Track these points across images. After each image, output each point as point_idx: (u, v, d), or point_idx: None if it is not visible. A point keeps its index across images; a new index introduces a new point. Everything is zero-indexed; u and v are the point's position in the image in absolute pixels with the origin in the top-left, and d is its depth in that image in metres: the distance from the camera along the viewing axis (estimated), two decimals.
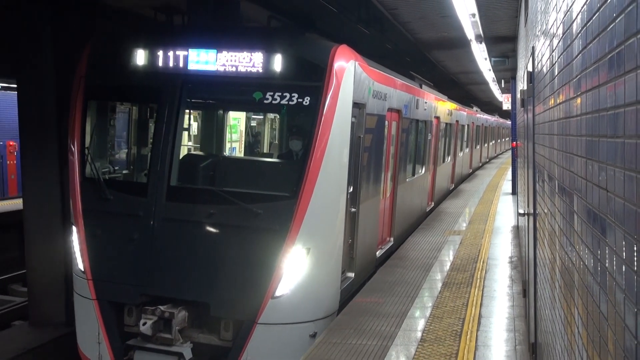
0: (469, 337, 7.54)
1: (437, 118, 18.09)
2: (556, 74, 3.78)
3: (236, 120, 14.29)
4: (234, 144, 14.31)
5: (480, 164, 38.41)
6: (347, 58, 8.24)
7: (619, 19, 1.81)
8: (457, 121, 23.54)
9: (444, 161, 21.04)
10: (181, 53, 8.04)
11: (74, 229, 8.53)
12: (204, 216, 7.78)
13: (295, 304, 7.61)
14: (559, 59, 3.58)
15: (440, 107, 18.42)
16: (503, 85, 31.22)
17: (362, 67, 8.97)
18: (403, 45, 18.80)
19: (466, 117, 27.11)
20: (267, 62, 7.78)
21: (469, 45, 17.61)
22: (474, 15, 13.22)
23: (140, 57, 8.25)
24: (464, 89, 38.96)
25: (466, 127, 27.56)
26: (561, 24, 3.44)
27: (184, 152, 9.37)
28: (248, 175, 8.76)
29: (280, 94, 7.80)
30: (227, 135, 11.44)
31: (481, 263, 11.64)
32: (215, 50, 7.96)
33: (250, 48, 7.87)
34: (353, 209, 9.22)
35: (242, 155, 13.17)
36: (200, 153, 10.46)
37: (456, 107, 23.19)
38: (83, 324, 8.43)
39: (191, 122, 10.06)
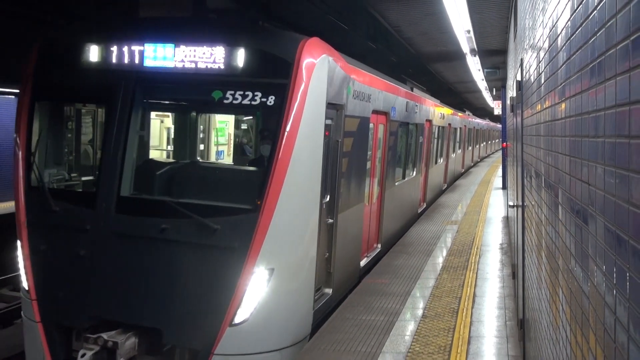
0: (465, 314, 7.53)
1: (429, 121, 16.29)
2: (542, 82, 3.76)
3: (224, 123, 12.24)
4: (221, 148, 12.07)
5: (473, 164, 36.96)
6: (318, 52, 6.46)
7: (599, 32, 1.80)
8: (449, 124, 21.56)
9: (436, 162, 18.95)
10: (136, 48, 6.40)
11: (18, 243, 6.73)
12: (155, 231, 5.97)
13: (258, 331, 5.92)
14: (545, 69, 3.56)
15: (432, 110, 16.65)
16: (494, 93, 31.07)
17: (339, 64, 7.25)
18: (406, 58, 18.77)
19: (459, 120, 25.36)
20: (229, 57, 6.11)
21: (464, 57, 17.55)
22: (469, 31, 13.17)
23: (91, 53, 6.60)
24: (460, 96, 38.83)
25: (459, 130, 25.71)
26: (547, 38, 3.41)
27: (144, 158, 7.53)
28: (208, 185, 6.84)
29: (241, 93, 6.06)
30: (191, 139, 8.94)
31: (475, 249, 11.61)
32: (173, 45, 6.29)
33: (211, 41, 6.20)
34: (330, 220, 7.44)
35: (207, 161, 9.72)
36: (163, 159, 8.27)
37: (448, 111, 21.33)
38: (29, 349, 6.74)
39: (150, 124, 7.82)
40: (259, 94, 6.05)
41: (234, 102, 6.16)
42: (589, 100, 2.00)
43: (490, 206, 17.97)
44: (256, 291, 5.79)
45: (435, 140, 18.24)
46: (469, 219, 15.34)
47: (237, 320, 5.76)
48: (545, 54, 3.57)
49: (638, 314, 1.35)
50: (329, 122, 7.03)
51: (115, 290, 6.07)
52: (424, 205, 16.85)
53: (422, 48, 17.40)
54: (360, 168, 8.85)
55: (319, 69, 6.38)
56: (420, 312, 7.60)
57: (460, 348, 6.38)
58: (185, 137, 8.90)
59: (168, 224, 5.94)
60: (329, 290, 7.54)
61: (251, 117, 10.26)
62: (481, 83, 25.82)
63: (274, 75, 6.12)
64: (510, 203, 9.25)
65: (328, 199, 7.25)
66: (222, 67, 6.12)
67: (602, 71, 1.77)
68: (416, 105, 13.81)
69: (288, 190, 5.90)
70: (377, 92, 9.52)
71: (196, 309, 5.83)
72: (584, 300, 2.07)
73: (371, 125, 9.42)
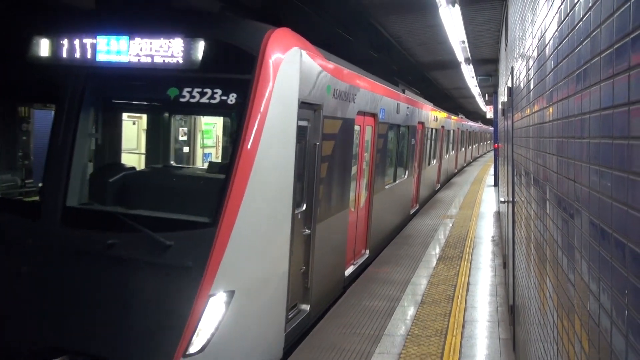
0: (460, 300, 7.51)
1: (422, 123, 14.80)
2: (532, 88, 3.74)
3: (211, 125, 10.91)
4: (208, 150, 10.75)
5: (465, 164, 35.16)
6: (288, 44, 5.27)
7: (585, 42, 1.78)
8: (442, 127, 19.98)
9: (429, 164, 17.42)
10: (85, 41, 5.25)
11: None
12: (102, 247, 4.73)
13: None
14: (534, 76, 3.54)
15: (425, 113, 15.17)
16: (487, 98, 30.96)
17: (316, 59, 6.06)
18: (406, 66, 18.72)
19: (452, 123, 23.74)
20: (187, 50, 4.99)
21: (459, 66, 17.49)
22: (463, 42, 13.14)
23: (40, 47, 5.43)
24: (455, 101, 38.71)
25: (452, 132, 24.01)
26: (536, 48, 3.39)
27: (98, 163, 6.11)
28: (163, 195, 5.56)
29: (200, 90, 4.92)
30: (164, 142, 7.38)
31: (469, 241, 11.58)
32: (127, 37, 5.14)
33: (169, 33, 5.05)
34: (306, 231, 6.20)
35: (175, 165, 7.55)
36: (120, 165, 6.40)
37: (441, 114, 19.70)
38: None
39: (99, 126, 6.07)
40: (219, 92, 4.89)
41: (191, 100, 4.96)
42: (575, 104, 1.99)
43: (483, 202, 17.91)
44: (214, 317, 4.55)
45: (429, 142, 16.96)
46: (464, 214, 15.30)
47: (191, 350, 4.51)
48: (534, 62, 3.55)
49: (620, 301, 1.34)
50: (303, 123, 5.90)
51: (58, 314, 4.83)
52: (417, 207, 15.41)
53: (420, 57, 17.36)
54: (344, 173, 7.51)
55: (288, 63, 5.21)
56: (419, 298, 7.59)
57: (455, 331, 6.37)
58: (157, 140, 7.39)
59: (116, 239, 4.73)
60: (306, 307, 6.25)
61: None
62: (474, 89, 25.72)
63: (236, 70, 4.95)
64: (502, 199, 9.22)
65: (304, 207, 6.12)
66: (180, 61, 4.99)
67: (587, 78, 1.76)
68: (408, 108, 12.38)
69: (251, 200, 4.73)
70: (363, 92, 8.22)
71: (146, 337, 4.59)
72: (570, 288, 2.06)
73: (357, 127, 8.22)
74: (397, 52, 15.92)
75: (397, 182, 11.90)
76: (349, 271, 8.20)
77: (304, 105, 5.69)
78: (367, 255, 9.33)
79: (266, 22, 5.41)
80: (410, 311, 7.04)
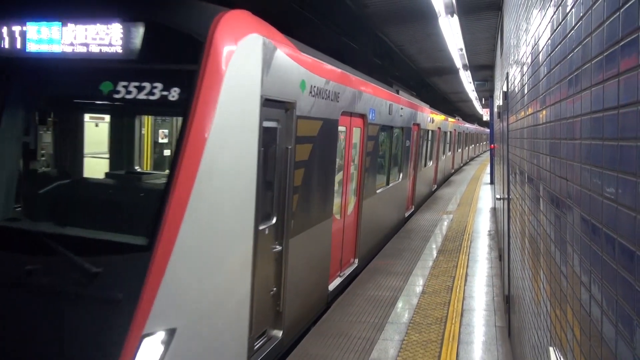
0: (458, 290, 7.49)
1: (417, 125, 13.51)
2: (526, 92, 3.72)
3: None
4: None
5: (462, 164, 33.72)
6: (245, 30, 4.07)
7: (576, 49, 1.77)
8: (439, 128, 18.61)
9: (425, 165, 15.97)
10: (16, 29, 4.13)
11: None
12: (21, 274, 3.62)
13: None
14: (528, 81, 3.52)
15: (421, 114, 13.87)
16: (483, 102, 30.84)
17: (284, 49, 4.78)
18: (408, 72, 18.69)
19: (449, 125, 22.15)
20: (125, 37, 3.87)
21: (457, 72, 17.44)
22: (461, 49, 13.09)
23: None
24: (453, 105, 38.59)
25: (449, 133, 22.54)
26: (530, 55, 3.37)
27: (30, 172, 4.69)
28: (97, 210, 4.29)
29: (137, 84, 3.79)
30: (127, 145, 5.63)
31: (467, 235, 11.53)
32: (60, 23, 4.02)
33: (107, 17, 3.92)
34: (277, 248, 4.99)
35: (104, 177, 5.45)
36: (54, 174, 5.03)
37: (438, 115, 18.32)
38: None
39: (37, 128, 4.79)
40: (159, 86, 3.75)
41: (127, 97, 3.81)
42: (567, 107, 1.98)
43: (480, 199, 17.84)
44: None
45: (425, 144, 15.58)
46: (462, 210, 15.24)
47: None
48: (528, 68, 3.53)
49: (610, 292, 1.33)
50: (271, 124, 4.69)
51: None
52: (412, 208, 14.08)
53: (421, 64, 17.32)
54: (326, 179, 6.27)
55: (245, 52, 4.05)
56: (420, 288, 7.57)
57: (454, 319, 6.35)
58: (117, 142, 5.65)
59: (37, 265, 3.62)
60: (278, 333, 5.08)
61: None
62: (472, 93, 25.64)
63: (180, 60, 3.80)
64: (498, 196, 9.18)
65: (274, 221, 4.91)
66: (118, 50, 3.89)
67: (578, 83, 1.75)
68: (402, 109, 11.06)
69: (196, 216, 3.60)
70: (349, 91, 6.95)
71: None
72: (562, 280, 2.05)
73: (342, 128, 7.07)
74: (400, 59, 15.89)
75: (390, 185, 10.61)
76: (334, 284, 6.93)
77: (269, 103, 4.51)
78: (356, 265, 8.06)
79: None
80: (412, 301, 7.03)
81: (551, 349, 2.30)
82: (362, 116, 7.95)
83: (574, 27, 1.81)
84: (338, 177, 7.02)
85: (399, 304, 6.87)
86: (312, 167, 5.75)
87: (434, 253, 9.79)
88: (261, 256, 4.57)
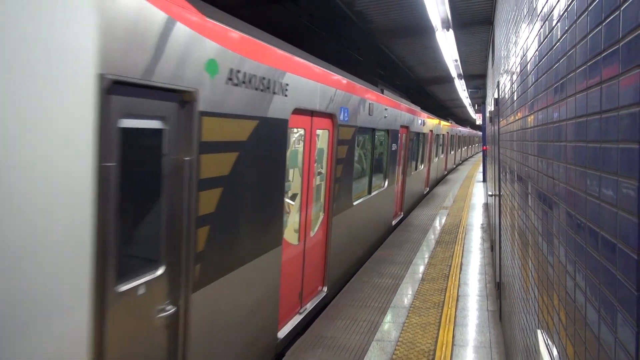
0: (454, 278, 7.45)
1: (406, 127, 11.65)
2: (515, 99, 3.69)
3: None
4: None
5: (455, 166, 31.45)
6: None
7: (562, 60, 1.75)
8: (431, 131, 16.72)
9: (416, 169, 14.18)
10: None
11: None
12: None
13: None
14: (517, 89, 3.49)
15: (409, 116, 11.99)
16: (476, 108, 30.67)
17: (168, 6, 2.77)
18: (408, 81, 18.63)
19: (441, 127, 20.24)
20: None
21: (453, 81, 17.36)
22: (456, 60, 13.03)
23: None
24: (449, 110, 38.45)
25: (441, 136, 20.62)
26: (519, 65, 3.35)
27: None
28: None
29: None
30: None
31: (462, 228, 11.48)
32: None
33: None
34: (169, 310, 2.96)
35: None
36: None
37: (429, 118, 16.33)
38: None
39: None
40: None
41: None
42: (553, 113, 1.96)
43: (474, 195, 17.75)
44: None
45: (416, 147, 13.89)
46: (457, 205, 15.17)
47: None
48: (517, 77, 3.51)
49: (593, 280, 1.32)
50: (139, 124, 2.68)
51: None
52: (401, 215, 12.23)
53: (420, 74, 17.26)
54: (268, 198, 4.21)
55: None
56: (419, 276, 7.55)
57: (450, 304, 6.32)
58: None
59: None
60: None
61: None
62: (466, 100, 25.51)
63: None
64: (490, 193, 9.13)
65: (162, 271, 2.95)
66: None
67: (564, 90, 1.73)
68: (386, 110, 9.09)
69: None
70: (307, 83, 4.94)
71: None
72: (549, 269, 2.03)
73: (298, 130, 5.18)
74: (401, 69, 15.85)
75: (372, 194, 8.64)
76: (286, 329, 5.01)
77: (133, 89, 2.59)
78: (325, 293, 6.17)
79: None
80: (412, 287, 7.01)
81: (539, 331, 2.28)
82: (331, 116, 5.93)
83: (559, 39, 1.79)
84: (293, 192, 5.25)
85: (401, 290, 6.86)
86: (238, 184, 3.70)
87: (432, 244, 9.75)
88: (135, 328, 2.71)
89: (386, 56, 13.62)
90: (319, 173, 5.98)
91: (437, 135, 19.05)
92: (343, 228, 6.83)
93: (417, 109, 13.81)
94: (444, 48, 11.11)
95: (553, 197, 1.95)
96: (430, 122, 16.32)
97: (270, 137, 4.18)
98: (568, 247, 1.65)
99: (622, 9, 1.09)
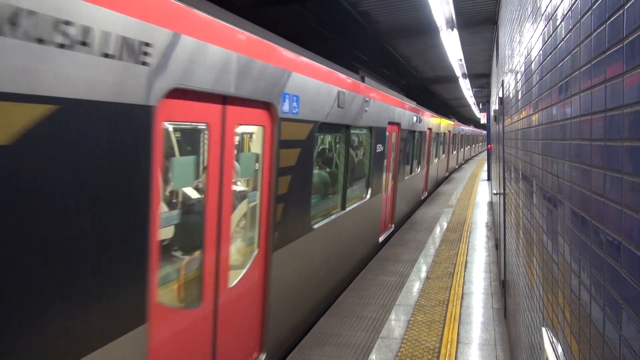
0: (459, 276, 7.43)
1: (397, 125, 9.78)
2: (520, 98, 3.67)
3: None
4: None
5: (458, 166, 28.89)
6: None
7: (566, 59, 1.74)
8: (429, 129, 14.84)
9: (411, 172, 12.50)
10: None
11: None
12: None
13: None
14: (522, 88, 3.48)
15: (401, 112, 10.01)
16: (481, 107, 30.57)
17: None
18: (413, 81, 18.59)
19: (442, 126, 18.32)
20: None
21: (457, 80, 17.30)
22: (461, 60, 12.98)
23: None
24: (454, 109, 38.32)
25: (442, 135, 18.85)
26: (523, 64, 3.33)
27: None
28: None
29: None
30: None
31: (467, 226, 11.44)
32: None
33: None
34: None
35: None
36: None
37: (428, 114, 14.34)
38: None
39: None
40: None
41: None
42: (557, 111, 1.95)
43: (478, 194, 17.69)
44: None
45: (411, 148, 12.21)
46: (462, 204, 15.12)
47: None
48: (522, 76, 3.49)
49: (598, 278, 1.31)
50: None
51: None
52: (392, 227, 10.23)
53: (425, 73, 17.21)
54: (122, 246, 2.40)
55: None
56: (424, 274, 7.54)
57: (455, 302, 6.30)
58: None
59: None
60: None
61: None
62: (470, 99, 25.42)
63: None
64: (494, 191, 9.09)
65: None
66: None
67: (568, 89, 1.72)
68: (366, 101, 7.17)
69: None
70: (201, 47, 3.00)
71: None
72: (554, 267, 2.02)
73: (189, 125, 3.31)
74: (406, 69, 15.82)
75: (348, 209, 6.83)
76: None
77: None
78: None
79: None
80: (417, 285, 6.99)
81: (543, 329, 2.28)
82: (266, 105, 4.05)
83: (563, 38, 1.78)
84: (189, 228, 3.39)
85: (406, 288, 6.84)
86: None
87: (437, 242, 9.73)
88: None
89: (392, 56, 13.60)
90: (241, 192, 4.03)
91: (437, 134, 17.31)
92: (296, 263, 4.92)
93: (413, 103, 11.93)
94: (449, 48, 11.07)
95: (557, 195, 1.94)
96: (428, 120, 14.33)
97: (98, 139, 2.23)
98: (573, 245, 1.64)
99: (625, 8, 1.09)
